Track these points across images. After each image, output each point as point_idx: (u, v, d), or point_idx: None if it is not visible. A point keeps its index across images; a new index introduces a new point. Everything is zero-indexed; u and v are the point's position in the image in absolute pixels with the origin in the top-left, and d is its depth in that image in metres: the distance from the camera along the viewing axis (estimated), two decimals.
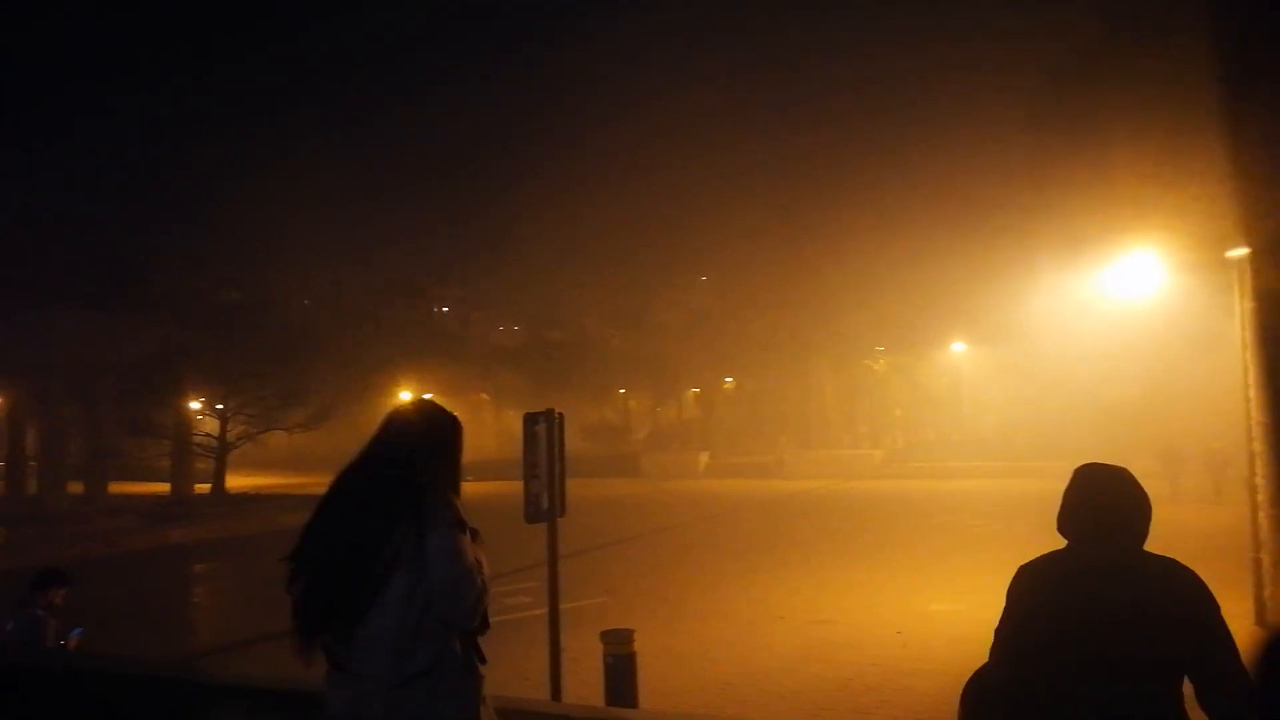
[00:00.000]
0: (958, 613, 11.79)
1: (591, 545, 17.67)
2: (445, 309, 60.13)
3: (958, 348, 43.99)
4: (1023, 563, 2.76)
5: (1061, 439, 33.50)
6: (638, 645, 7.11)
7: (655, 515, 25.41)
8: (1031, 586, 2.70)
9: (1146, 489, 2.69)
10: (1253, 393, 11.15)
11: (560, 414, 6.61)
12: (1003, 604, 2.78)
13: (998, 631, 2.75)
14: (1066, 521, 2.72)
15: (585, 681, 7.83)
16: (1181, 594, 2.43)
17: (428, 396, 2.92)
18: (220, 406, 30.88)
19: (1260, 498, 11.30)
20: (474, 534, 2.70)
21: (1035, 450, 34.51)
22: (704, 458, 42.41)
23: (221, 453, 30.84)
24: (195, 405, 32.99)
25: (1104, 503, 2.66)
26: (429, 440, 2.81)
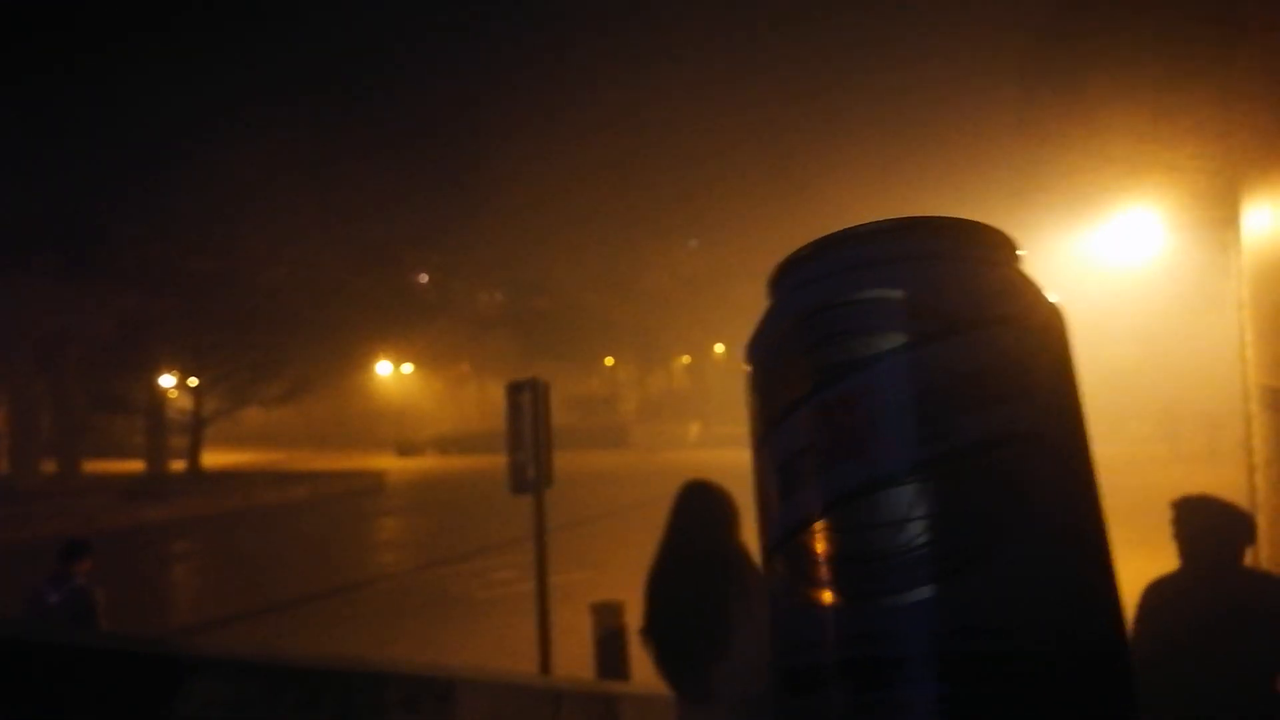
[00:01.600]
0: None
1: (579, 519, 17.42)
2: (424, 277, 59.33)
3: None
4: (1150, 580, 3.23)
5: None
6: (628, 619, 6.90)
7: (645, 487, 25.15)
8: (1157, 599, 3.17)
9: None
10: (1249, 353, 10.99)
11: (545, 383, 6.35)
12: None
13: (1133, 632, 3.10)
14: (1181, 547, 3.17)
15: (573, 656, 7.62)
16: (1275, 600, 2.98)
17: (699, 480, 3.75)
18: (194, 381, 30.34)
19: (1256, 459, 11.18)
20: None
21: None
22: (695, 428, 42.32)
23: (196, 429, 30.36)
24: (169, 380, 32.43)
25: (1203, 529, 3.11)
26: (724, 513, 3.51)
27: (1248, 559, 3.17)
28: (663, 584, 3.48)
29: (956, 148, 34.65)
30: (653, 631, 3.42)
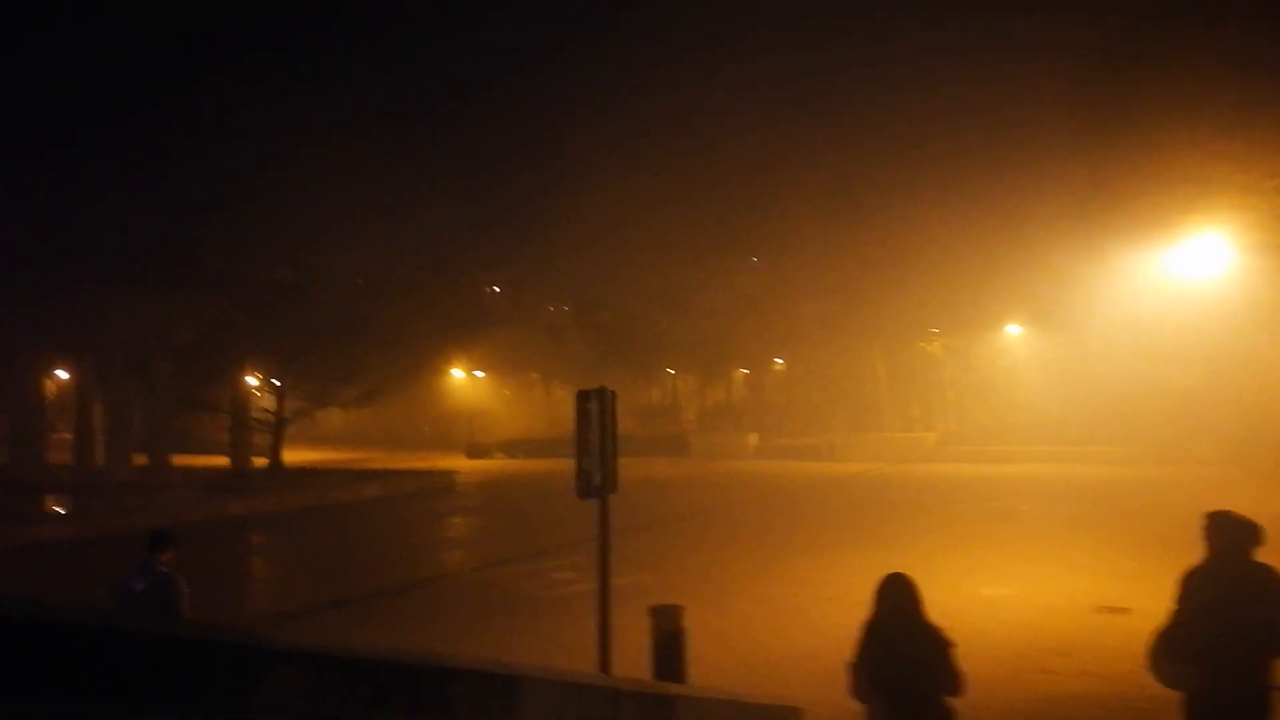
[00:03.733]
0: (1009, 598, 11.66)
1: (637, 524, 17.75)
2: (495, 288, 60.49)
3: (1013, 330, 43.21)
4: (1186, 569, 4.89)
5: (1119, 424, 32.80)
6: (686, 623, 7.14)
7: (703, 495, 25.44)
8: (1190, 580, 4.81)
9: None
10: None
11: (612, 391, 6.65)
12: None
13: (1176, 606, 4.81)
14: (1209, 543, 4.81)
15: (630, 658, 7.87)
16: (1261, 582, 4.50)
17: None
18: (276, 383, 31.53)
19: None
20: None
21: (1092, 435, 33.83)
22: (753, 439, 42.28)
23: (278, 428, 31.51)
24: (253, 382, 33.73)
25: (1222, 533, 4.78)
26: (915, 595, 5.26)
27: (1259, 556, 4.63)
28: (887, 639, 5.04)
29: (1019, 168, 34.13)
30: (884, 672, 4.93)
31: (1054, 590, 11.95)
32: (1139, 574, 11.94)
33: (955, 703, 4.91)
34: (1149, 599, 7.44)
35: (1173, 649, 4.70)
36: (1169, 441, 29.13)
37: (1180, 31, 11.94)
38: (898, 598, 5.15)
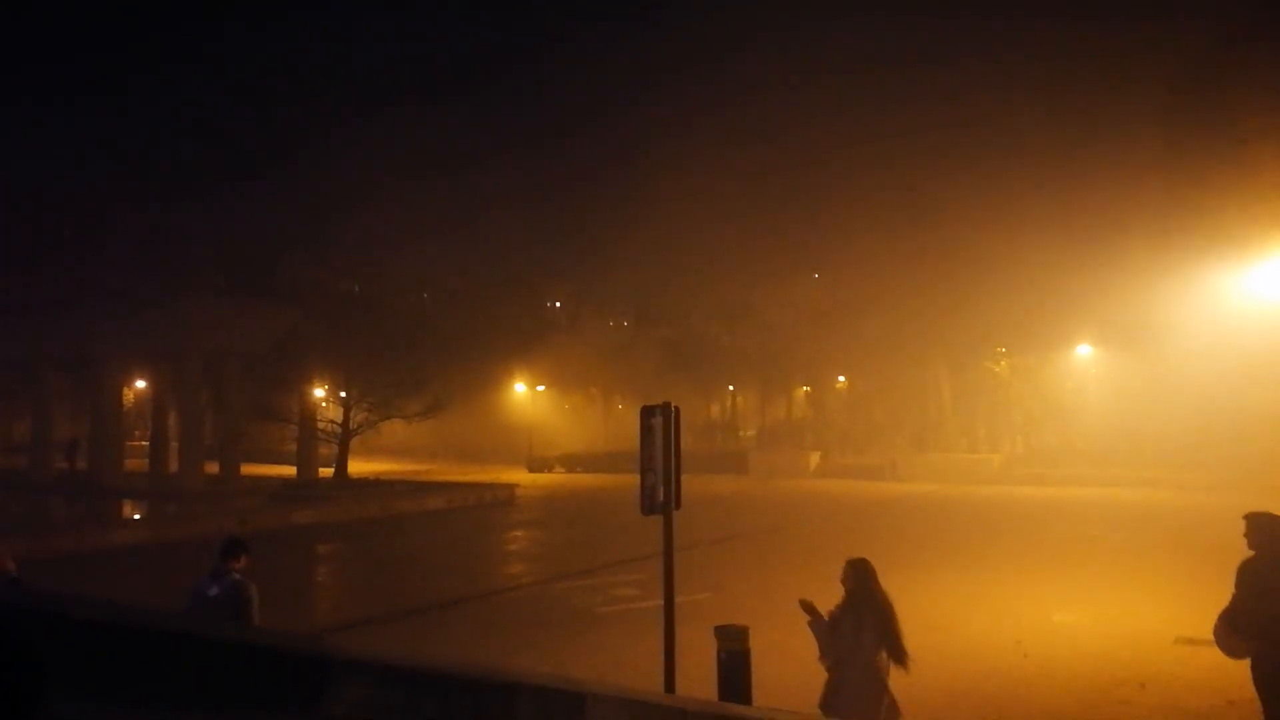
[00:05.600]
0: (1081, 625, 11.30)
1: (698, 540, 17.65)
2: (557, 304, 61.11)
3: (1084, 350, 42.13)
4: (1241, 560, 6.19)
5: (1196, 448, 31.69)
6: (750, 643, 7.06)
7: (764, 514, 25.20)
8: (1245, 572, 6.12)
9: None
10: None
11: (676, 408, 6.62)
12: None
13: (1235, 591, 6.14)
14: (1250, 540, 6.21)
15: (693, 677, 7.81)
16: None
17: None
18: (344, 394, 32.17)
19: None
20: None
21: (1166, 459, 32.75)
22: (814, 457, 41.81)
23: (344, 439, 32.11)
24: (319, 393, 34.46)
25: (1265, 532, 6.15)
26: None
27: None
28: None
29: (1094, 183, 33.27)
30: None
31: (1130, 619, 11.56)
32: (1218, 604, 11.47)
33: None
34: None
35: (1233, 626, 6.02)
36: (1248, 466, 28.04)
37: (1267, 47, 11.59)
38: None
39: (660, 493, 6.35)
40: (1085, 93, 38.40)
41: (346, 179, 34.34)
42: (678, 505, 6.43)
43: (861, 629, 5.84)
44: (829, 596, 6.41)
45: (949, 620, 11.56)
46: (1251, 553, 6.17)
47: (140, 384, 42.56)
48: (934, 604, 12.56)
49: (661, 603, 6.71)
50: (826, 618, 6.07)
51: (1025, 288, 36.78)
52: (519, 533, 23.51)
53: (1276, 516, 6.10)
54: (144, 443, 39.66)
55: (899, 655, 5.80)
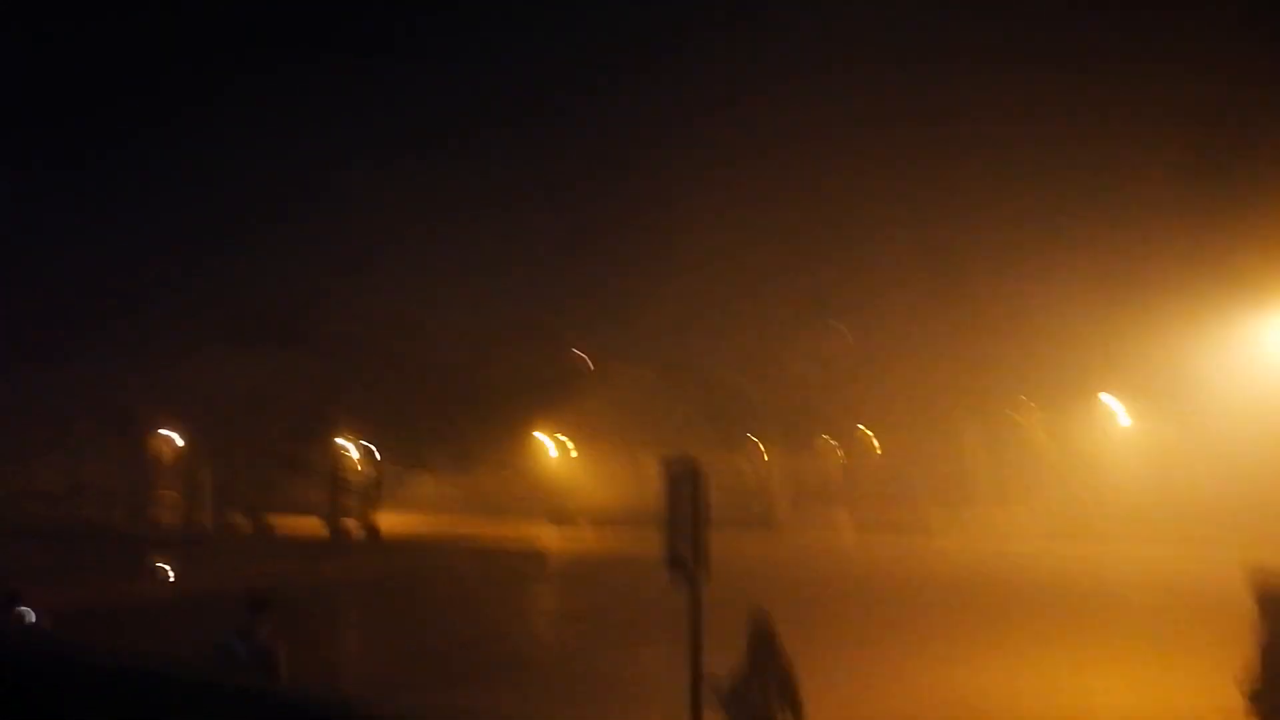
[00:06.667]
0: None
1: (723, 599, 17.29)
2: (583, 355, 61.18)
3: (1115, 403, 41.55)
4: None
5: (1235, 505, 30.95)
6: None
7: (793, 579, 24.25)
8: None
9: None
10: None
11: (701, 462, 6.36)
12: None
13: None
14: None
15: None
16: None
17: None
18: (371, 447, 32.34)
19: None
20: None
21: (1201, 517, 31.97)
22: (842, 513, 41.28)
23: (374, 492, 32.20)
24: (346, 445, 34.67)
25: None
26: None
27: None
28: None
29: (1113, 228, 33.02)
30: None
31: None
32: None
33: None
34: None
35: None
36: None
37: None
38: None
39: (686, 554, 6.09)
40: (1112, 140, 38.07)
41: (376, 227, 35.03)
42: (706, 570, 6.12)
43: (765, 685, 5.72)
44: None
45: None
46: None
47: (170, 434, 43.01)
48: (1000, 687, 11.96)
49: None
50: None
51: (1056, 340, 36.42)
52: (543, 588, 23.10)
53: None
54: (174, 493, 39.96)
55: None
